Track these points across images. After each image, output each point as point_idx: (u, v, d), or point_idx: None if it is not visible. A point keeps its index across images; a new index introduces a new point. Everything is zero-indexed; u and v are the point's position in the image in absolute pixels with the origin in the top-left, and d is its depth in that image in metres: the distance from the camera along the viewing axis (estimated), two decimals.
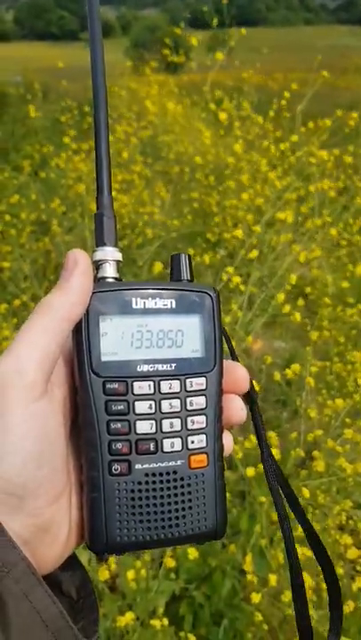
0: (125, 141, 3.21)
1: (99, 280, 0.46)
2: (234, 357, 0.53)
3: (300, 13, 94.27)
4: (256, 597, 1.49)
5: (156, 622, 1.53)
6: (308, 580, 1.50)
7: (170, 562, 1.67)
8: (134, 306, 0.45)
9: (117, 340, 0.45)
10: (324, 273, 2.70)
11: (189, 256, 0.50)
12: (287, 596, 1.56)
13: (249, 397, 0.52)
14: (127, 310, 0.45)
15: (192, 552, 1.57)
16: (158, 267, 2.01)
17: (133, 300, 0.45)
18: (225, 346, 0.51)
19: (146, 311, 0.45)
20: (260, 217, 2.25)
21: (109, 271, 0.46)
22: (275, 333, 3.19)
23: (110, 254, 0.46)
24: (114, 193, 3.04)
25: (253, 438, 1.87)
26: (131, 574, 1.60)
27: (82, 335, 0.44)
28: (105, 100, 0.48)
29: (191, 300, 0.47)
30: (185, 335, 0.47)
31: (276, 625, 1.65)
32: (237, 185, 2.74)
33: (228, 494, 1.66)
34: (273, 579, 1.55)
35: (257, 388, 1.32)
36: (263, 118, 3.04)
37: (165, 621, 1.56)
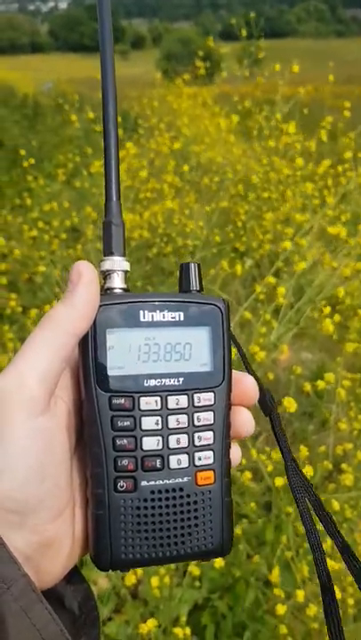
0: (156, 151, 3.25)
1: (106, 290, 0.45)
2: (247, 367, 0.51)
3: (331, 25, 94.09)
4: (281, 609, 1.47)
5: (178, 631, 1.53)
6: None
7: (194, 570, 1.66)
8: (142, 318, 0.44)
9: (124, 353, 0.44)
10: (358, 285, 2.67)
11: (199, 265, 0.49)
12: (312, 609, 1.54)
13: (266, 407, 0.51)
14: (135, 323, 0.44)
15: (218, 561, 1.56)
16: None
17: (141, 312, 0.44)
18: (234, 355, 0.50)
19: (153, 324, 0.44)
20: (293, 229, 2.25)
21: (117, 282, 0.46)
22: (302, 344, 3.16)
23: (118, 264, 0.46)
24: (145, 202, 3.10)
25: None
26: (155, 581, 1.60)
27: (88, 349, 0.43)
28: (114, 108, 0.48)
29: (200, 312, 0.46)
30: (193, 348, 0.46)
31: (300, 639, 1.63)
32: (273, 197, 2.75)
33: (253, 504, 1.64)
34: (300, 594, 1.53)
35: (291, 404, 1.31)
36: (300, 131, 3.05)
37: (188, 630, 1.55)
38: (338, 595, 1.44)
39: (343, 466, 1.89)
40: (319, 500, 0.50)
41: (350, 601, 1.66)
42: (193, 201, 3.07)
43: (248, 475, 1.85)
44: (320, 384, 1.73)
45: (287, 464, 0.50)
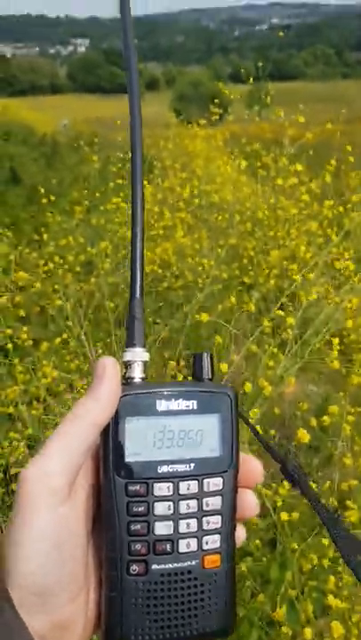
0: (170, 190, 3.38)
1: (126, 380, 0.50)
2: (263, 443, 0.55)
3: (337, 68, 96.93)
4: None
5: None
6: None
7: None
8: (158, 407, 0.48)
9: (141, 441, 0.47)
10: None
11: (211, 355, 0.54)
12: None
13: (291, 477, 0.53)
14: (152, 412, 0.48)
15: None
16: (205, 317, 2.09)
17: (158, 402, 0.48)
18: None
19: (169, 412, 0.48)
20: (298, 264, 2.33)
21: (137, 371, 0.50)
22: (307, 377, 3.18)
23: (139, 355, 0.50)
24: (158, 239, 3.18)
25: (287, 484, 1.87)
26: None
27: (108, 436, 0.46)
28: (142, 212, 0.52)
29: (211, 401, 0.50)
30: (204, 435, 0.49)
31: None
32: (279, 235, 2.83)
33: (258, 541, 1.65)
34: (308, 632, 1.52)
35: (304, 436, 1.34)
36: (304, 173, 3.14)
37: None
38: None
39: (348, 502, 1.89)
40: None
41: None
42: (204, 237, 3.17)
43: None
44: (326, 420, 1.76)
45: (333, 534, 0.50)
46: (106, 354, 2.67)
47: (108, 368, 0.47)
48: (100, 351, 2.63)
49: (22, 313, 2.81)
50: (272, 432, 1.89)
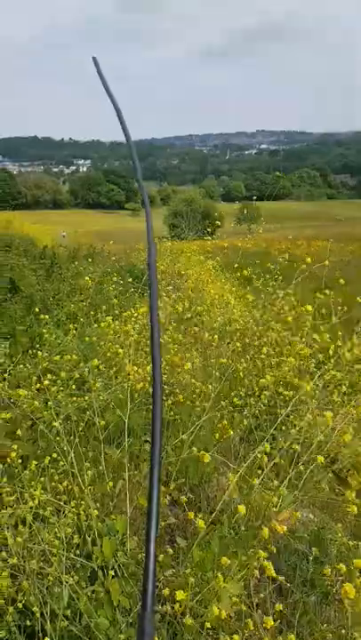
0: (162, 309, 3.52)
1: None
2: None
3: (322, 189, 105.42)
4: None
5: None
6: None
7: None
8: None
9: None
10: (354, 443, 2.70)
11: None
12: None
13: None
14: None
15: None
16: (207, 457, 2.08)
17: None
18: None
19: None
20: (287, 387, 2.37)
21: None
22: (302, 503, 3.07)
23: None
24: (149, 357, 3.23)
25: None
26: None
27: None
28: (158, 489, 0.57)
29: None
30: None
31: None
32: (270, 356, 2.91)
33: None
34: None
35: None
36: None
37: None
38: None
39: None
40: None
41: None
42: (195, 356, 3.25)
43: None
44: (330, 572, 1.69)
45: None
46: (97, 481, 2.60)
47: None
48: (90, 473, 2.57)
49: (19, 432, 2.78)
50: (279, 578, 1.79)
